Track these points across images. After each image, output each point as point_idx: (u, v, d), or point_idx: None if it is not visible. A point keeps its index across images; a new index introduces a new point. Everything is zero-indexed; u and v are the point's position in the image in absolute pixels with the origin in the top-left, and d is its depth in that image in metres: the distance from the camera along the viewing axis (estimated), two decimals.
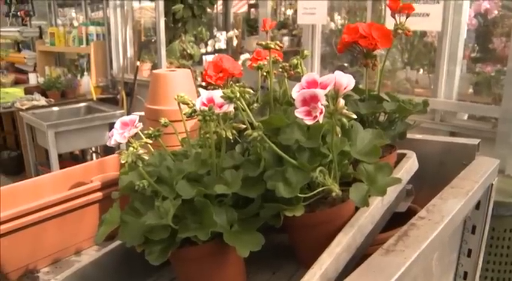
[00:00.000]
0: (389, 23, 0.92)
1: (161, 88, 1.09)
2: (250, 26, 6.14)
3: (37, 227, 1.08)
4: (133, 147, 0.72)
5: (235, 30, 5.95)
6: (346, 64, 3.43)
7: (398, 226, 0.75)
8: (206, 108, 0.72)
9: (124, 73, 4.37)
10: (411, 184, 0.98)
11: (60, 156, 3.70)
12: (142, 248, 0.65)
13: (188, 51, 4.46)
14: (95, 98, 4.27)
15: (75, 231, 1.19)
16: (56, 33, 5.04)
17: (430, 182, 0.96)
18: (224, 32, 5.94)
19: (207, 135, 0.76)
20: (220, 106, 0.73)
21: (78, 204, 1.15)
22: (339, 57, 3.45)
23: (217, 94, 0.76)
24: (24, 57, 5.54)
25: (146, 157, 0.68)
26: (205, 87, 0.99)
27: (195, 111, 0.82)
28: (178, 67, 4.25)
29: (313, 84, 0.67)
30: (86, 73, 4.58)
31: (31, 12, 5.65)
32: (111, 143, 0.75)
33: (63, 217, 1.13)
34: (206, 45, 5.12)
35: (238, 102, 0.72)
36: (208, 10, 4.98)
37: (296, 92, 0.68)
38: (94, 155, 4.48)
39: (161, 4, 3.83)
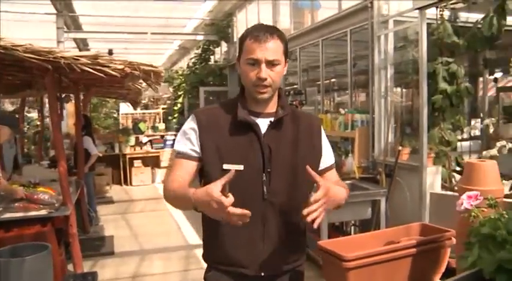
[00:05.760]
0: None
1: (474, 173, 1.46)
2: (509, 113, 6.08)
3: (373, 267, 1.53)
4: (474, 211, 1.11)
5: (492, 119, 5.97)
6: None
7: None
8: None
9: (385, 156, 4.86)
10: None
11: None
12: (493, 275, 1.00)
13: (446, 138, 4.73)
14: (357, 177, 4.83)
15: (396, 275, 1.59)
16: (324, 119, 5.90)
17: None
18: (479, 120, 6.03)
19: None
20: None
21: (400, 255, 1.56)
22: None
23: None
24: None
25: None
26: None
27: None
28: (437, 153, 4.55)
29: None
30: (350, 155, 5.22)
31: (303, 101, 6.72)
32: (460, 208, 1.15)
33: (390, 262, 1.55)
34: (462, 132, 5.29)
35: None
36: None
37: None
38: (353, 227, 4.99)
39: (425, 95, 4.24)
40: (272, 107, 1.71)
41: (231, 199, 1.35)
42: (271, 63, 1.58)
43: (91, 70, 3.45)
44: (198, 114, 1.72)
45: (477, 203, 1.14)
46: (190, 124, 1.71)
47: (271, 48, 1.57)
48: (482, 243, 1.03)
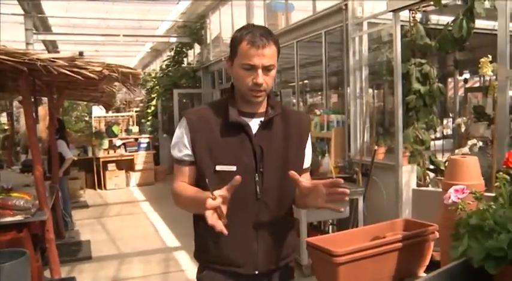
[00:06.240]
0: None
1: (457, 169, 1.52)
2: (478, 112, 6.28)
3: (362, 261, 1.57)
4: (461, 204, 1.17)
5: (463, 118, 6.15)
6: None
7: None
8: None
9: (361, 156, 4.95)
10: None
11: None
12: (482, 263, 1.05)
13: (420, 137, 4.85)
14: (334, 177, 4.90)
15: (383, 268, 1.64)
16: None
17: None
18: (451, 119, 6.22)
19: None
20: None
21: (387, 249, 1.61)
22: None
23: None
24: None
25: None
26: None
27: None
28: (412, 152, 4.65)
29: None
30: (326, 155, 5.30)
31: None
32: (448, 202, 1.21)
33: (378, 257, 1.60)
34: (435, 131, 5.44)
35: None
36: None
37: None
38: (330, 226, 5.06)
39: (399, 96, 4.33)
40: (262, 107, 1.73)
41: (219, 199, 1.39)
42: (266, 69, 1.60)
43: (68, 72, 3.40)
44: (188, 115, 1.72)
45: (463, 197, 1.20)
46: (180, 126, 1.72)
47: (268, 55, 1.59)
48: (471, 233, 1.09)
